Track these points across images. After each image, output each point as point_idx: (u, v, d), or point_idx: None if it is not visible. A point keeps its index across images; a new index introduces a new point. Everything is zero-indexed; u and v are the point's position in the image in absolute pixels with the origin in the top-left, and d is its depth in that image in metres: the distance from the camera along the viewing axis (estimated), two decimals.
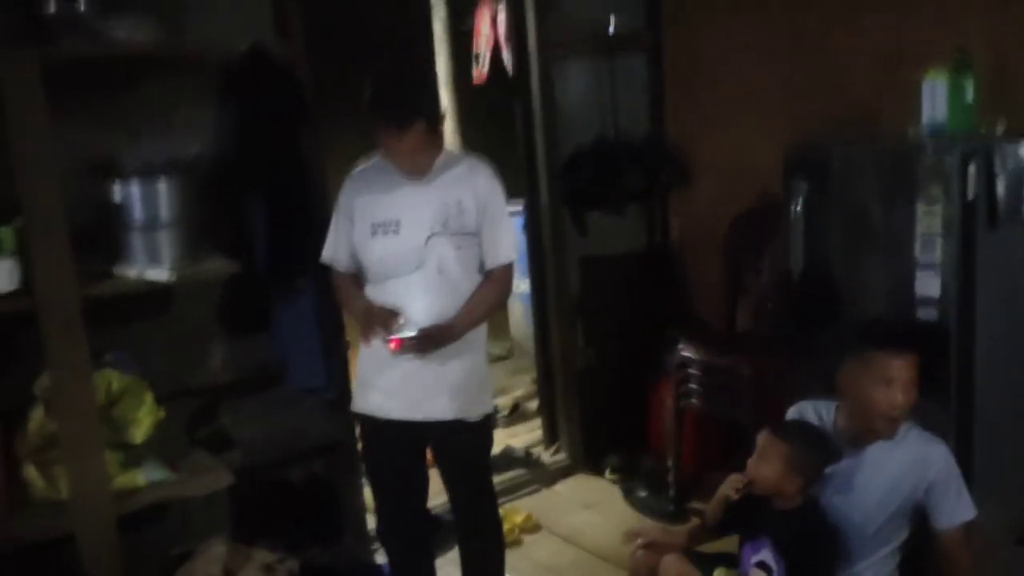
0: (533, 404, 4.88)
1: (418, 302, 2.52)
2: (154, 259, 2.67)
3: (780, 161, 3.30)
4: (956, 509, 2.36)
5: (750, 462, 2.43)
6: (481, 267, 2.62)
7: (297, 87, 3.08)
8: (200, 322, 3.08)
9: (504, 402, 4.98)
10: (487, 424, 2.73)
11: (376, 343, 2.53)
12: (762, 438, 2.43)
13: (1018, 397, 2.75)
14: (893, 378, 2.32)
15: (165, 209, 2.69)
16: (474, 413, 2.65)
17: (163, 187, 2.69)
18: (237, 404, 3.16)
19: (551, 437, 4.34)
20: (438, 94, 2.55)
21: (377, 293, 2.59)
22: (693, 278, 4.32)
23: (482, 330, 2.67)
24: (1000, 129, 2.80)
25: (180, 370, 3.03)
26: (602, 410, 4.22)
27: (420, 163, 2.51)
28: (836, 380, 2.43)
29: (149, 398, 2.70)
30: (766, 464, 2.38)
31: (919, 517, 2.40)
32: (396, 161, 2.50)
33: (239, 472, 2.87)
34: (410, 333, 2.48)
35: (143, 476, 2.68)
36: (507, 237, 2.63)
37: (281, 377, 3.18)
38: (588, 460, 4.20)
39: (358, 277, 2.68)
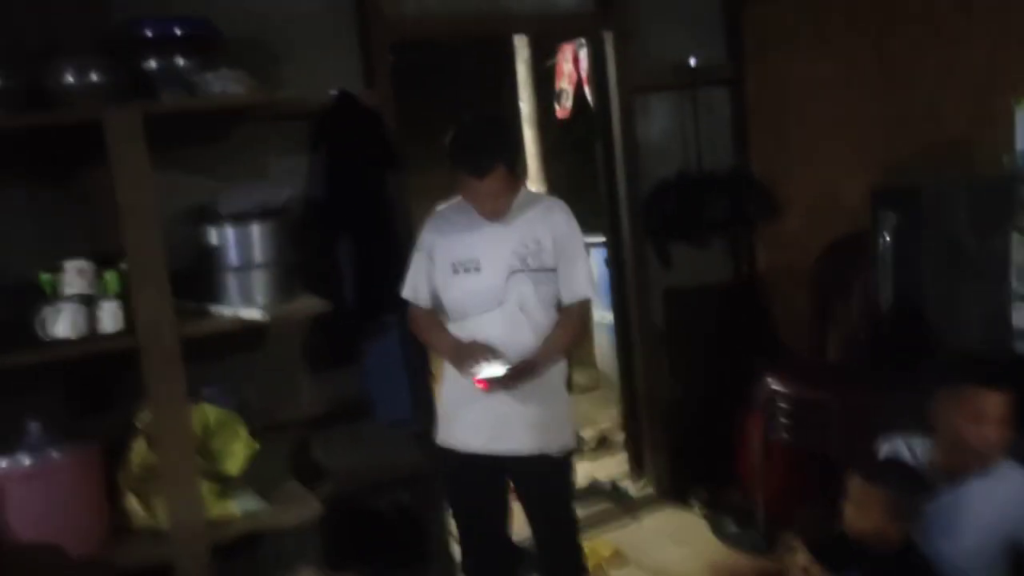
0: (619, 436, 4.86)
1: (499, 338, 2.58)
2: (248, 299, 2.79)
3: (868, 192, 3.27)
4: None
5: (846, 511, 2.34)
6: (558, 303, 2.66)
7: (384, 133, 3.20)
8: (291, 358, 3.20)
9: (590, 433, 4.98)
10: (568, 458, 2.76)
11: (465, 378, 2.58)
12: (856, 486, 2.33)
13: None
14: (986, 414, 2.25)
15: (258, 251, 2.81)
16: (555, 447, 2.68)
17: (256, 230, 2.81)
18: (327, 437, 3.26)
19: (637, 469, 4.32)
20: (517, 139, 2.64)
21: (458, 330, 2.66)
22: (780, 309, 4.26)
23: (561, 365, 2.71)
24: None
25: (273, 404, 3.14)
26: (689, 442, 4.18)
27: (499, 205, 2.58)
28: (929, 414, 2.36)
29: (244, 431, 2.80)
30: (865, 514, 2.29)
31: (1021, 558, 2.30)
32: (477, 204, 2.58)
33: (329, 502, 2.95)
34: (498, 371, 2.53)
35: (238, 506, 2.77)
36: (583, 274, 2.66)
37: (369, 410, 3.27)
38: (675, 493, 4.18)
39: (437, 314, 2.74)
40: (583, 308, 2.68)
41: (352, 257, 3.08)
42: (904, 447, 2.48)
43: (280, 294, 2.85)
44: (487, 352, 2.56)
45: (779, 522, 3.67)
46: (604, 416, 5.26)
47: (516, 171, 2.58)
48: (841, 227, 3.78)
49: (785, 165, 4.15)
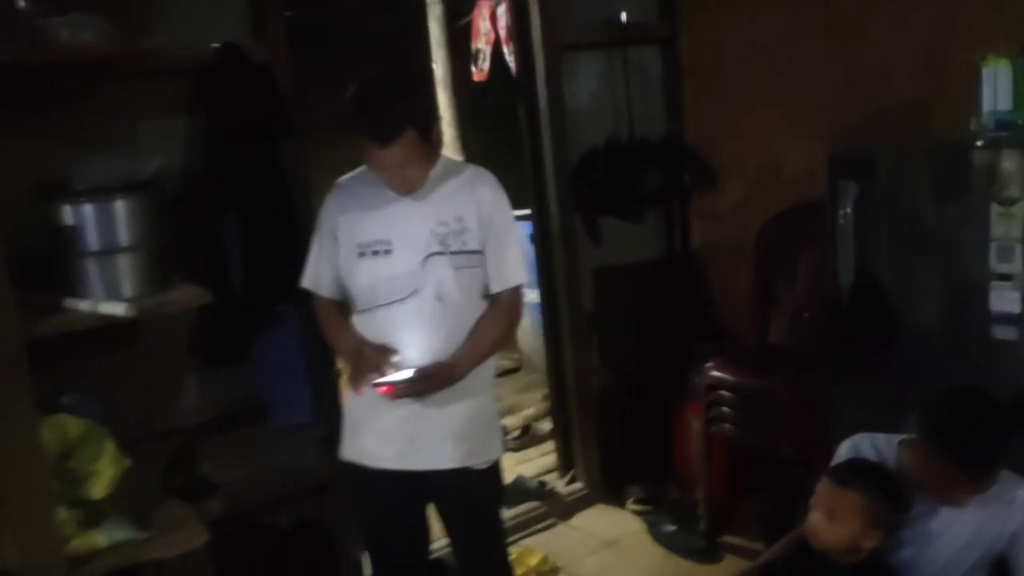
0: (545, 424, 4.54)
1: (414, 334, 2.18)
2: (112, 290, 2.33)
3: (814, 161, 3.05)
4: None
5: (815, 520, 2.08)
6: (485, 292, 2.28)
7: (276, 92, 2.75)
8: (171, 356, 2.76)
9: (513, 423, 4.63)
10: (496, 470, 2.40)
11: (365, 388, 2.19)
12: (825, 491, 2.07)
13: None
14: None
15: (124, 233, 2.34)
16: (481, 460, 2.31)
17: (121, 207, 2.34)
18: (216, 446, 2.85)
19: (566, 464, 3.99)
20: (430, 98, 2.23)
21: (366, 324, 2.25)
22: (718, 289, 3.97)
23: (489, 364, 2.33)
24: None
25: (149, 411, 2.70)
26: (622, 434, 3.88)
27: (411, 177, 2.17)
28: (913, 426, 2.08)
29: (111, 446, 2.36)
30: (837, 522, 2.03)
31: (1001, 571, 2.09)
32: (384, 176, 2.16)
33: (220, 520, 2.55)
34: (405, 374, 2.14)
35: (105, 536, 2.33)
36: (515, 257, 2.28)
37: (264, 414, 2.86)
38: (608, 490, 3.86)
39: (344, 305, 2.34)
40: (515, 297, 2.30)
41: (239, 238, 2.64)
42: (868, 446, 2.21)
43: (151, 283, 2.39)
44: (387, 358, 2.16)
45: (722, 523, 3.41)
46: (528, 402, 4.92)
47: (430, 136, 2.17)
48: (784, 199, 3.52)
49: (722, 132, 3.86)
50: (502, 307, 2.28)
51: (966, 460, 1.97)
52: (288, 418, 2.85)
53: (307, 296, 2.43)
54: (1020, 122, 2.49)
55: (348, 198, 2.28)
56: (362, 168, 2.28)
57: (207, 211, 2.66)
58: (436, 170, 2.23)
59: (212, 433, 2.83)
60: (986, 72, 2.57)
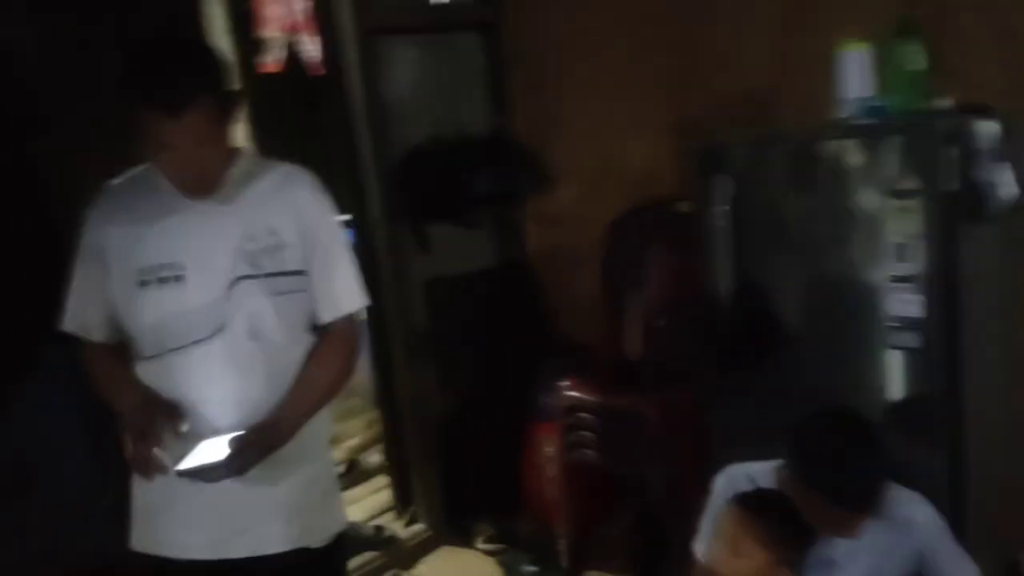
0: (374, 456, 4.07)
1: (223, 386, 1.69)
2: None
3: (657, 156, 2.84)
4: (956, 573, 1.92)
5: (715, 554, 1.89)
6: (312, 323, 1.81)
7: (19, 79, 2.17)
8: None
9: (336, 457, 4.12)
10: (338, 546, 1.92)
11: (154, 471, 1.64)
12: (729, 521, 1.87)
13: (1014, 427, 2.26)
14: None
15: None
16: (320, 535, 1.85)
17: None
18: None
19: (404, 502, 3.55)
20: (226, 67, 1.72)
21: (155, 375, 1.72)
22: (559, 298, 3.64)
23: (324, 416, 1.86)
24: (946, 105, 2.28)
25: None
26: (466, 464, 3.47)
27: (207, 167, 1.66)
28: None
29: None
30: (743, 557, 1.84)
31: None
32: (172, 163, 1.63)
33: None
34: (215, 454, 1.61)
35: None
36: (346, 275, 1.84)
37: (30, 483, 2.32)
38: (454, 529, 3.46)
39: (124, 350, 1.79)
40: (351, 327, 1.84)
41: None
42: (743, 479, 1.98)
43: None
44: (179, 419, 1.65)
45: (585, 557, 3.10)
46: (351, 431, 4.40)
47: (228, 116, 1.68)
48: (625, 198, 3.24)
49: (555, 128, 3.52)
50: (336, 341, 1.81)
51: (844, 499, 1.78)
52: (63, 487, 2.30)
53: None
54: (891, 109, 2.30)
55: (121, 210, 1.73)
56: (139, 168, 1.75)
57: None
58: (238, 169, 1.74)
59: None
60: (845, 57, 2.37)
